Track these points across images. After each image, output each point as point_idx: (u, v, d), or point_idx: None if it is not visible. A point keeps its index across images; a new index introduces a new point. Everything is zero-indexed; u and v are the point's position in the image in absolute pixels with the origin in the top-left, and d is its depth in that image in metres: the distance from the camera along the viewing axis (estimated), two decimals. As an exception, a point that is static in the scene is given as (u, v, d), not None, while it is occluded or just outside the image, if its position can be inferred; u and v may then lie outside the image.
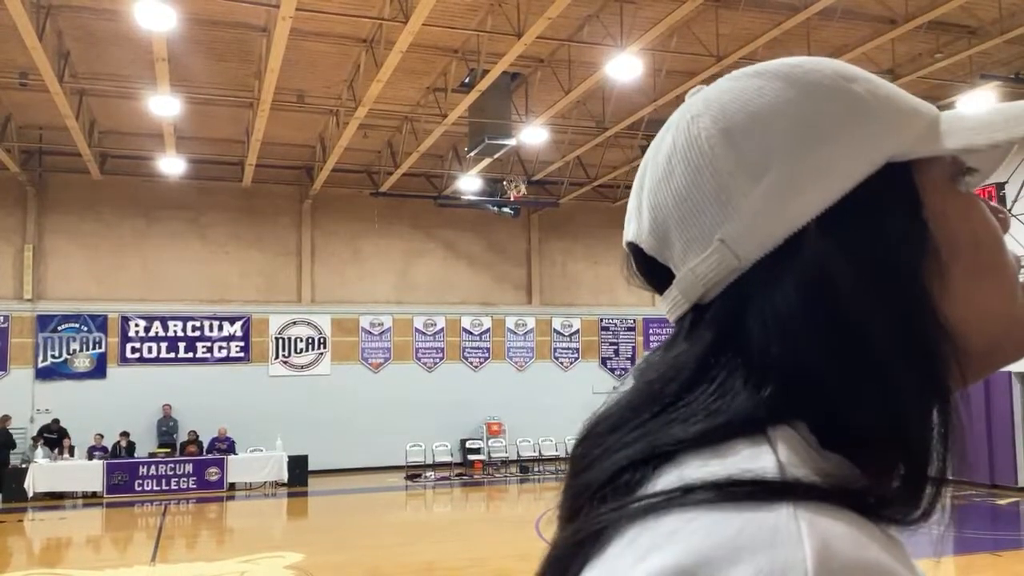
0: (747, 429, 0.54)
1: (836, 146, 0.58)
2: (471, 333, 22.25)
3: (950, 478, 0.57)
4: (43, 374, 19.02)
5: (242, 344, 20.41)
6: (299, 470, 18.42)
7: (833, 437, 0.55)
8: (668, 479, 0.53)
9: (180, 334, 19.97)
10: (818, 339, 0.55)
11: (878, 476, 0.54)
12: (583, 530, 0.55)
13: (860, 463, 0.54)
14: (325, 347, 21.06)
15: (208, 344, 20.14)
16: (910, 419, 0.55)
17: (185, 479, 17.73)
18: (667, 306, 0.64)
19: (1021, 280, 0.63)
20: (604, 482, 0.57)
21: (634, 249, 0.66)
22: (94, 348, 19.38)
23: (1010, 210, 13.86)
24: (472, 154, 16.00)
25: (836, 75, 0.61)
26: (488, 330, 22.37)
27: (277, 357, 20.66)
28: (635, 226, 0.65)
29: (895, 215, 0.58)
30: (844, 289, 0.56)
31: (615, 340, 23.58)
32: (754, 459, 0.52)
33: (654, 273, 0.65)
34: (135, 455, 18.12)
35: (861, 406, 0.55)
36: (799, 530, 0.46)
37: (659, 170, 0.63)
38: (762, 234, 0.57)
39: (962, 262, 0.59)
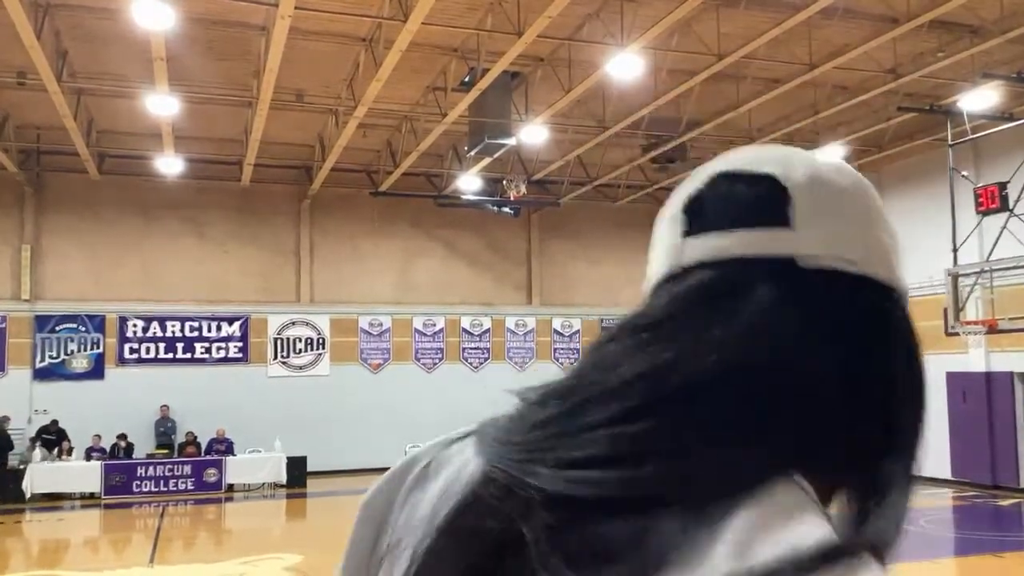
0: (768, 477, 0.56)
1: None
2: (471, 333, 22.18)
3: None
4: (41, 375, 18.95)
5: (240, 344, 20.35)
6: (298, 471, 18.39)
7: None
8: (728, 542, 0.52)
9: (178, 334, 19.90)
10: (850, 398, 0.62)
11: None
12: None
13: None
14: (324, 347, 20.99)
15: (206, 344, 20.07)
16: (897, 480, 0.61)
17: (183, 480, 17.69)
18: None
19: None
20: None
21: None
22: (92, 348, 19.32)
23: (1012, 210, 13.82)
24: (472, 153, 15.94)
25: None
26: (488, 330, 22.31)
27: (276, 358, 20.60)
28: None
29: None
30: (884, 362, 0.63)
31: (615, 340, 23.50)
32: (815, 527, 0.53)
33: None
34: (133, 456, 18.06)
35: (865, 470, 0.61)
36: None
37: None
38: None
39: None
